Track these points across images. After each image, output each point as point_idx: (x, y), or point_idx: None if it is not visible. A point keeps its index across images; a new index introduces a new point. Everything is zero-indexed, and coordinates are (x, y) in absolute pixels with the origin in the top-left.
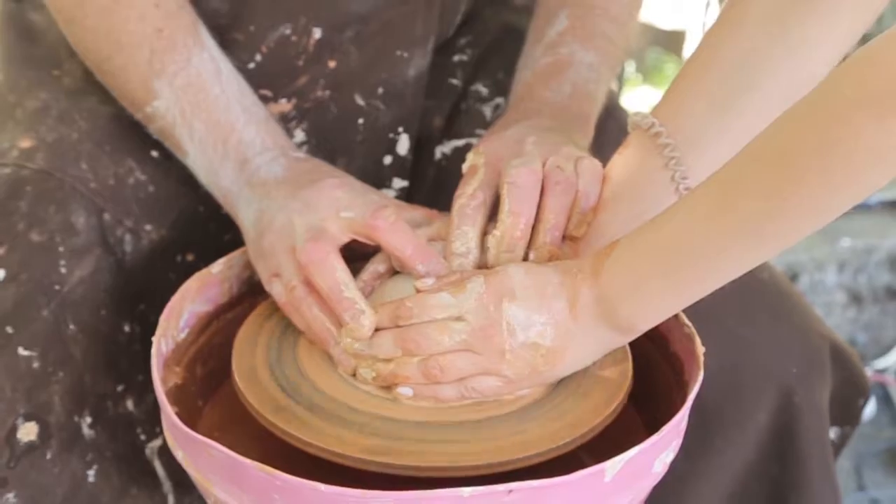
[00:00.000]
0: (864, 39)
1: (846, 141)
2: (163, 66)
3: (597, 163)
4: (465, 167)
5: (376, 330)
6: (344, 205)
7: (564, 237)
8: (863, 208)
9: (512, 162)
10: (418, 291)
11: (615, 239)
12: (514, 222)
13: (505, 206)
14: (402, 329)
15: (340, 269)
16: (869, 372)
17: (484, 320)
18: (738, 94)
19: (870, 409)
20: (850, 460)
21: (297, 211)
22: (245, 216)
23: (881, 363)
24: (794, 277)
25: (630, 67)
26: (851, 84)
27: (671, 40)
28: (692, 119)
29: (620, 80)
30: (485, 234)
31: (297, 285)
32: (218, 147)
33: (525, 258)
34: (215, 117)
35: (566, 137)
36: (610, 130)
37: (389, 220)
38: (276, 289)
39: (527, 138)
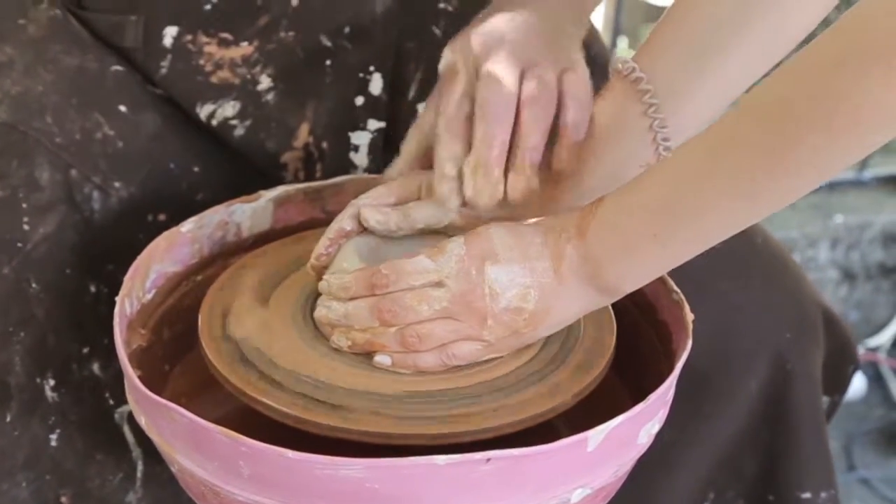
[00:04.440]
0: None
1: (850, 95)
2: None
3: (585, 78)
4: (441, 67)
5: (352, 299)
6: None
7: (549, 168)
8: (856, 184)
9: (483, 76)
10: None
11: (589, 184)
12: (488, 148)
13: (478, 132)
14: (378, 298)
15: None
16: (861, 350)
17: (465, 285)
18: (721, 42)
19: (861, 387)
20: (840, 440)
21: None
22: None
23: (873, 341)
24: None
25: (623, 44)
26: (857, 36)
27: None
28: (672, 66)
29: (613, 45)
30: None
31: None
32: None
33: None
34: None
35: (553, 26)
36: (597, 85)
37: None
38: None
39: (506, 36)
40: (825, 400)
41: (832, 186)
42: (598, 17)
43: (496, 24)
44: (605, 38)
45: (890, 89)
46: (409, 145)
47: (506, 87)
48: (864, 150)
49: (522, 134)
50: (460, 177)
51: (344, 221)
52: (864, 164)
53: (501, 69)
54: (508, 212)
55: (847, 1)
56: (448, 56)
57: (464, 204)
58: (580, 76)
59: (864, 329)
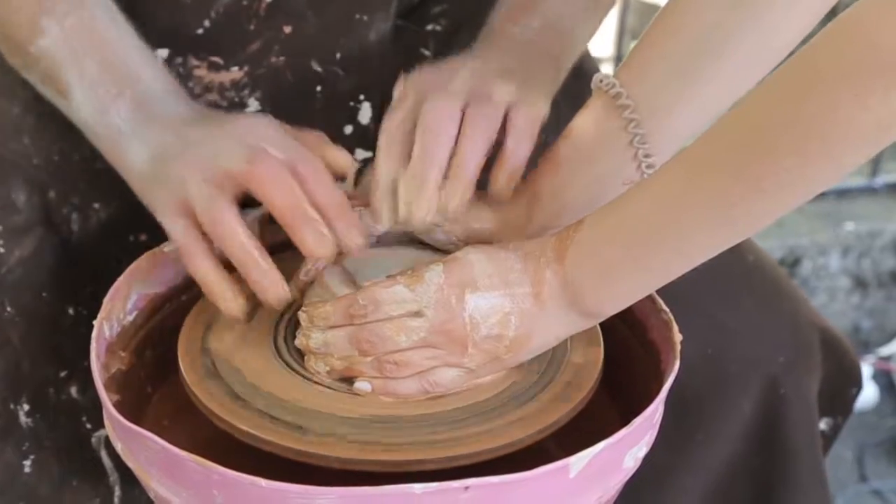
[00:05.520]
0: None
1: (822, 117)
2: (53, 4)
3: (534, 111)
4: (394, 94)
5: (331, 327)
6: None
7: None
8: (867, 191)
9: (429, 97)
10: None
11: (568, 199)
12: (423, 165)
13: (416, 148)
14: (356, 328)
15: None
16: (873, 359)
17: (445, 314)
18: (701, 60)
19: (873, 397)
20: (852, 450)
21: (221, 137)
22: (138, 153)
23: (886, 350)
24: (796, 262)
25: (632, 46)
26: (828, 57)
27: None
28: (653, 83)
29: (620, 59)
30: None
31: (224, 206)
32: (111, 88)
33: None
34: (110, 59)
35: (523, 68)
36: (581, 100)
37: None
38: (177, 225)
39: (461, 70)
40: (828, 422)
41: (843, 194)
42: (607, 20)
43: (459, 60)
44: (613, 40)
45: (860, 111)
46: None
47: (449, 108)
48: (839, 171)
49: (458, 149)
50: (396, 194)
51: None
52: (875, 171)
53: (448, 94)
54: (459, 229)
55: (833, 14)
56: (400, 84)
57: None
58: (531, 111)
59: (876, 337)
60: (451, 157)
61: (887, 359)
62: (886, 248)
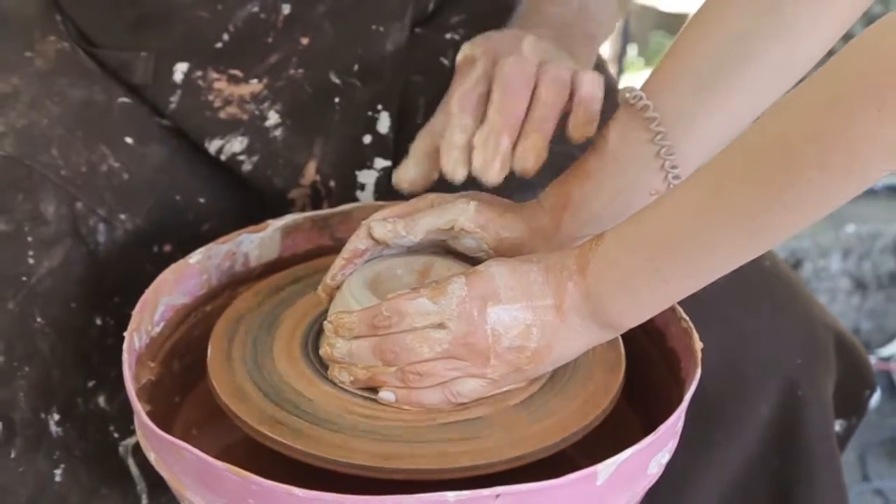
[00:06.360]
0: (869, 20)
1: (847, 131)
2: None
3: (597, 73)
4: (458, 58)
5: (355, 337)
6: None
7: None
8: (868, 193)
9: (504, 59)
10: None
11: (595, 209)
12: (501, 117)
13: (493, 104)
14: (380, 339)
15: None
16: (873, 360)
17: (467, 326)
18: (726, 72)
19: (874, 397)
20: (854, 450)
21: None
22: None
23: (886, 351)
24: (797, 264)
25: (633, 51)
26: (854, 71)
27: (674, 23)
28: (679, 95)
29: (621, 64)
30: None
31: None
32: None
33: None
34: None
35: (566, 53)
36: (607, 113)
37: None
38: None
39: (525, 37)
40: (842, 423)
41: None
42: None
43: (516, 30)
44: (615, 45)
45: (883, 125)
46: (419, 144)
47: (527, 67)
48: (861, 184)
49: (534, 107)
50: (469, 150)
51: (358, 241)
52: None
53: (522, 56)
54: (490, 237)
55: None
56: (466, 49)
57: (470, 178)
58: (595, 75)
59: (876, 338)
60: (524, 119)
61: (887, 359)
62: (886, 250)
